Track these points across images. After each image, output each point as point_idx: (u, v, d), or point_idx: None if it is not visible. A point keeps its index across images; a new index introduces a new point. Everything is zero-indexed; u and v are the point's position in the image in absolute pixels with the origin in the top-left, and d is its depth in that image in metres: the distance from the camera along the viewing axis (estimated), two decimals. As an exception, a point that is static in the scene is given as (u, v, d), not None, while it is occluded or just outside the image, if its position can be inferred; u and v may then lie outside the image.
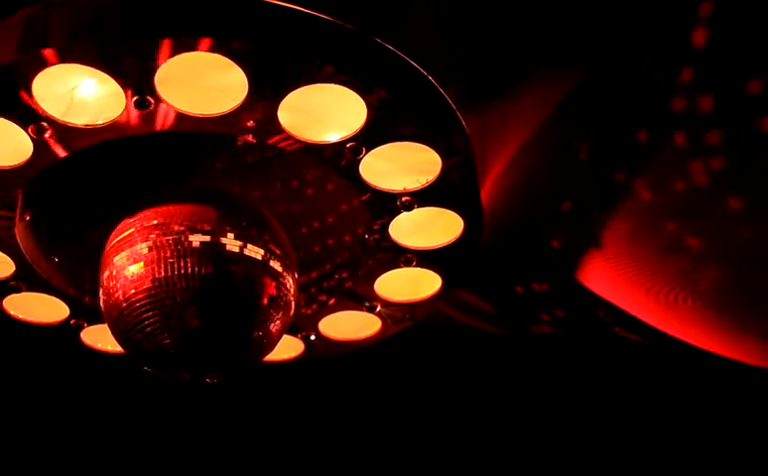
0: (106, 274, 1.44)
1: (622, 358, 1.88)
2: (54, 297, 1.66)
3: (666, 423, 1.96)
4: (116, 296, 1.43)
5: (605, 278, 1.64)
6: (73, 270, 1.63)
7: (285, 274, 1.47)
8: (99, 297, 1.47)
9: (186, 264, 1.38)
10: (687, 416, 1.92)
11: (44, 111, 1.28)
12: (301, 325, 1.75)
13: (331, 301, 1.71)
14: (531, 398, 2.07)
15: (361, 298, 1.70)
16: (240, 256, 1.41)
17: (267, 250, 1.44)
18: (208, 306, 1.39)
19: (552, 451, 2.15)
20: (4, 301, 1.66)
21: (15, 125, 1.30)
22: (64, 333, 1.74)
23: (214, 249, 1.39)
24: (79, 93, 1.28)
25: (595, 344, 1.85)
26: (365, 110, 1.32)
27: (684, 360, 1.71)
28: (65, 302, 1.67)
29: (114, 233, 1.45)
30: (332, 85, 1.28)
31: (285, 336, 1.73)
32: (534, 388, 2.06)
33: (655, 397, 1.91)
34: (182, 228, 1.40)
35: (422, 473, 2.22)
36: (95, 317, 1.70)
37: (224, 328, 1.42)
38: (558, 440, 2.12)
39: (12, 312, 1.69)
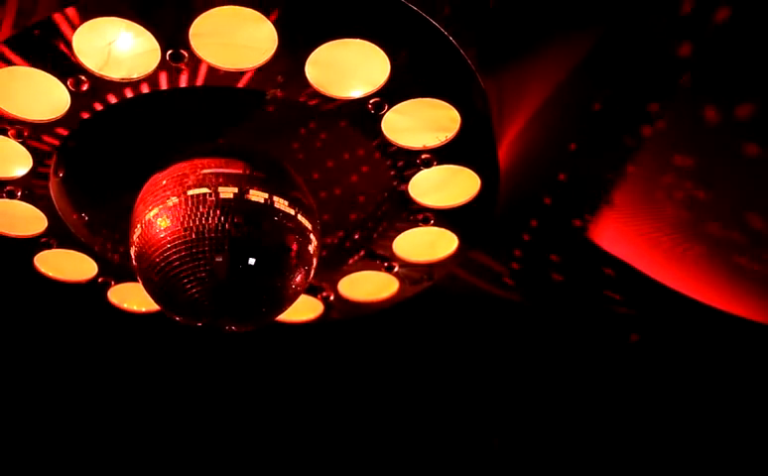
0: (138, 226, 1.50)
1: (630, 320, 1.93)
2: (83, 255, 1.72)
3: (674, 381, 2.01)
4: (147, 248, 1.49)
5: (618, 236, 1.69)
6: (105, 226, 1.69)
7: (310, 228, 1.53)
8: (131, 251, 1.54)
9: (215, 216, 1.44)
10: (692, 373, 1.97)
11: (82, 64, 1.34)
12: (320, 286, 1.81)
13: (351, 262, 1.77)
14: (544, 363, 2.13)
15: (380, 258, 1.75)
16: (268, 209, 1.47)
17: (293, 204, 1.50)
18: (237, 257, 1.45)
19: (565, 414, 2.20)
20: (35, 259, 1.72)
21: (54, 78, 1.35)
22: (92, 291, 1.79)
23: (243, 201, 1.45)
24: (116, 48, 1.34)
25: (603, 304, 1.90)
26: (388, 67, 1.37)
27: (689, 316, 1.76)
28: (94, 260, 1.73)
29: (146, 187, 1.52)
30: (357, 41, 1.34)
31: (305, 297, 1.80)
32: (546, 353, 2.11)
33: (665, 357, 1.96)
34: (212, 181, 1.46)
35: (435, 435, 2.28)
36: (123, 276, 1.76)
37: (252, 279, 1.48)
38: (570, 403, 2.18)
39: (42, 270, 1.75)
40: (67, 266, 1.75)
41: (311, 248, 1.54)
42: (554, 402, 2.18)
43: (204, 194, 1.46)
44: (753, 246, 1.60)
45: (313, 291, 1.81)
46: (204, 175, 1.47)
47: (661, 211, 1.62)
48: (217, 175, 1.47)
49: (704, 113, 1.48)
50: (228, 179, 1.46)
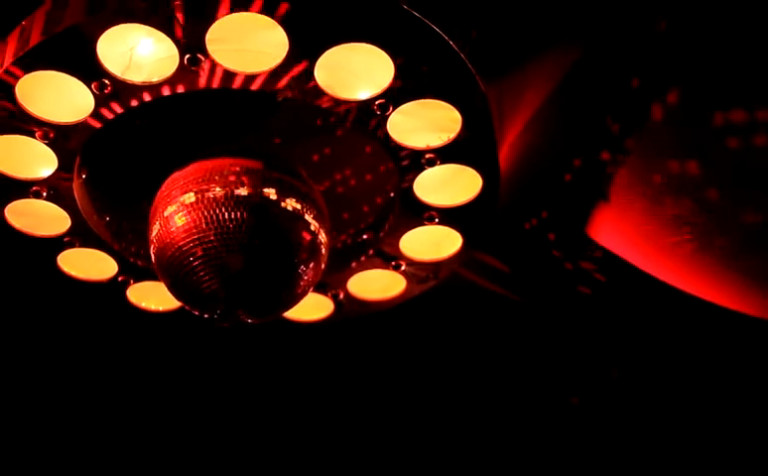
0: (156, 223, 1.59)
1: (631, 317, 2.00)
2: (104, 254, 1.80)
3: (673, 376, 2.07)
4: (165, 244, 1.57)
5: (616, 232, 1.76)
6: (125, 225, 1.77)
7: (319, 226, 1.62)
8: (150, 249, 1.62)
9: (230, 212, 1.53)
10: (687, 366, 2.02)
11: (106, 69, 1.42)
12: (330, 284, 1.89)
13: (360, 261, 1.85)
14: (548, 360, 2.19)
15: (388, 257, 1.83)
16: (280, 206, 1.55)
17: (305, 203, 1.58)
18: (250, 252, 1.54)
19: (567, 412, 2.26)
20: (59, 258, 1.80)
21: (80, 82, 1.44)
22: (112, 290, 1.87)
23: (257, 199, 1.54)
24: (137, 53, 1.43)
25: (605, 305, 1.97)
26: (393, 69, 1.46)
27: (685, 311, 1.83)
28: (115, 259, 1.81)
29: (164, 185, 1.60)
30: (363, 45, 1.42)
31: (315, 295, 1.88)
32: (552, 352, 2.17)
33: (669, 354, 2.02)
34: (227, 180, 1.55)
35: (441, 433, 2.34)
36: (141, 275, 1.84)
37: (265, 273, 1.56)
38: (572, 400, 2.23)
39: (65, 269, 1.83)
40: (89, 265, 1.82)
41: (321, 245, 1.62)
42: (558, 399, 2.24)
43: (220, 192, 1.54)
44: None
45: (324, 289, 1.89)
46: (220, 173, 1.56)
47: (658, 205, 1.69)
48: (233, 173, 1.55)
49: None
50: (243, 178, 1.55)
